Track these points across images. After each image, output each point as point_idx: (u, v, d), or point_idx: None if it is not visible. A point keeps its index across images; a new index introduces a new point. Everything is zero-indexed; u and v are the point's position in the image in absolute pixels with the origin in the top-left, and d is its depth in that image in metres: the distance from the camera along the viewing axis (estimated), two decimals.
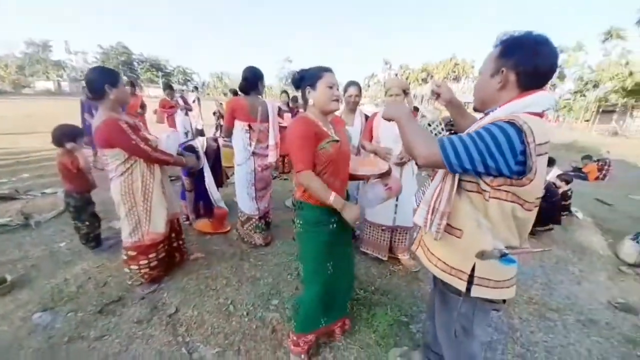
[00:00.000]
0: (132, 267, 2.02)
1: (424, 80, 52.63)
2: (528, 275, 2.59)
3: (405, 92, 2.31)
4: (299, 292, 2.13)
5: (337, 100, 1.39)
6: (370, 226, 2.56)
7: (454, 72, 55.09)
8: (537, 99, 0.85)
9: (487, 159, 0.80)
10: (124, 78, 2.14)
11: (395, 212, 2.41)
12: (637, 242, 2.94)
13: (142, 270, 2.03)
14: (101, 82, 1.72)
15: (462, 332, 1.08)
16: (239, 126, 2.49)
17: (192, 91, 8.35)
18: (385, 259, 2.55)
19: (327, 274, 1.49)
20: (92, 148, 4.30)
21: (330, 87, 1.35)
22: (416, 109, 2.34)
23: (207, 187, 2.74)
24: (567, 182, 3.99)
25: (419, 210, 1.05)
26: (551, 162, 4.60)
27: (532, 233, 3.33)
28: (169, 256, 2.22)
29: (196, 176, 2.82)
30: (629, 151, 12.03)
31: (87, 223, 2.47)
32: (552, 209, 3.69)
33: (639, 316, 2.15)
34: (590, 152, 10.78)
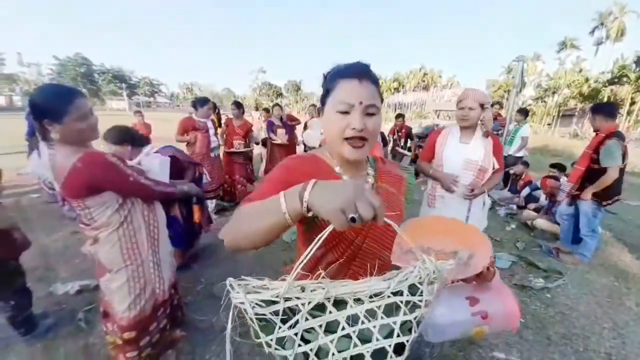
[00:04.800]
0: (128, 355, 1.36)
1: (396, 90, 54.41)
2: (594, 318, 2.19)
3: (483, 107, 1.73)
4: None
5: (361, 141, 0.68)
6: None
7: (424, 81, 57.54)
8: None
9: None
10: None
11: None
12: None
13: (143, 355, 1.39)
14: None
15: None
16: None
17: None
18: None
19: None
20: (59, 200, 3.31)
21: (344, 112, 0.67)
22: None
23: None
24: None
25: None
26: (562, 169, 4.35)
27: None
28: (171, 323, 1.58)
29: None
30: None
31: (12, 303, 1.72)
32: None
33: None
34: (564, 155, 11.17)
